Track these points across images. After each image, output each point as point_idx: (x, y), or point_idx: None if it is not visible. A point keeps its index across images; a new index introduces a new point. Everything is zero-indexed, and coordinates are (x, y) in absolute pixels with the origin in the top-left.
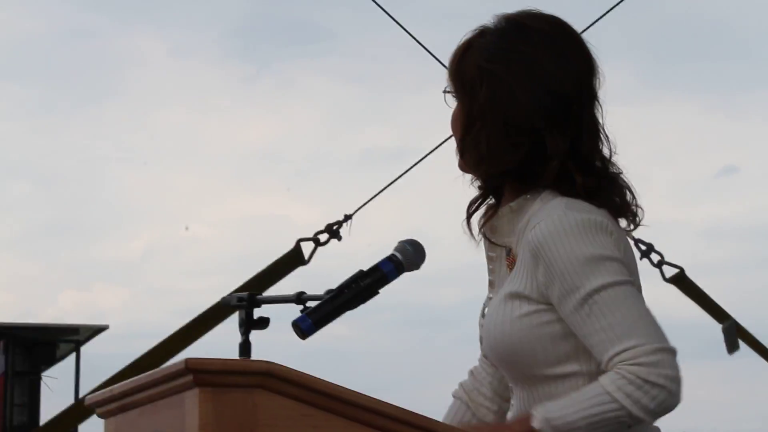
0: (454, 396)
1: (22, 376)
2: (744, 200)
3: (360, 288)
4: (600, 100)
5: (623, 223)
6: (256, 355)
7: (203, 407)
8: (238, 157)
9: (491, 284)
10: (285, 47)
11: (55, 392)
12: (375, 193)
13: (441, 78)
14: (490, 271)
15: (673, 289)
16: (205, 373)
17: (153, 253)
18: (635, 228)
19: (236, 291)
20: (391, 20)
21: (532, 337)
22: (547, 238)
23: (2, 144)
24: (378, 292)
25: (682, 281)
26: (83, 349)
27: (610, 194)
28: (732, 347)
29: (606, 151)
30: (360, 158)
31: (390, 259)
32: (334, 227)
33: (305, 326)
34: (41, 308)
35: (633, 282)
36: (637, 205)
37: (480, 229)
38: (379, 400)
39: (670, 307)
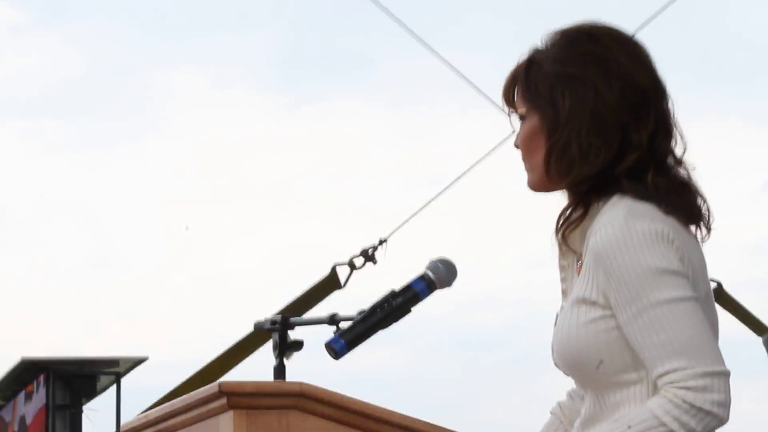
0: (551, 412)
1: (63, 409)
2: None
3: (392, 307)
4: (670, 96)
5: (694, 230)
6: (293, 378)
7: (238, 429)
8: (278, 185)
9: (563, 293)
10: (325, 77)
11: (97, 424)
12: (409, 217)
13: (476, 104)
14: (563, 280)
15: None
16: (238, 396)
17: (194, 283)
18: (708, 235)
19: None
20: (427, 48)
21: (599, 344)
22: (606, 246)
23: (46, 180)
24: (410, 311)
25: (720, 295)
26: (124, 381)
27: (682, 198)
28: None
29: (679, 151)
30: (397, 184)
31: (422, 278)
32: (370, 251)
33: (338, 347)
34: (84, 342)
35: (694, 297)
36: (708, 211)
37: (557, 238)
38: (412, 418)
39: None
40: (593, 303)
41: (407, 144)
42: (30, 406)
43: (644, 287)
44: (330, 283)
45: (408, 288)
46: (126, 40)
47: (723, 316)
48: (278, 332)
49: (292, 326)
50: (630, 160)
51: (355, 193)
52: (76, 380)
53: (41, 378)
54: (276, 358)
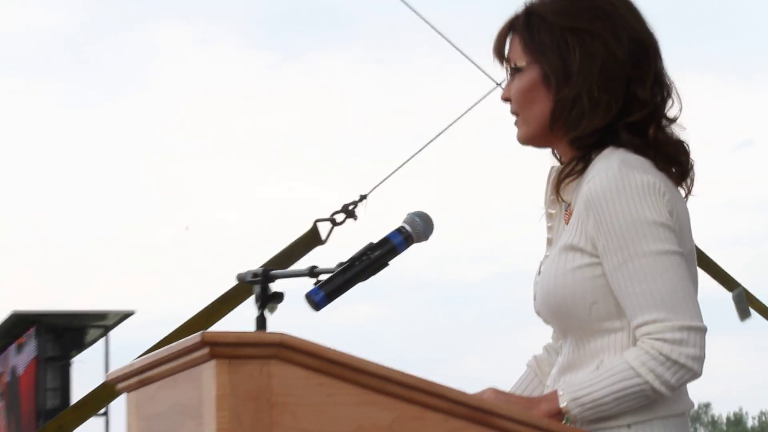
0: (527, 365)
1: (53, 361)
2: (761, 173)
3: (370, 260)
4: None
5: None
6: (275, 329)
7: (220, 379)
8: (262, 142)
9: (549, 242)
10: (309, 35)
11: (86, 376)
12: (389, 174)
13: (456, 62)
14: (549, 229)
15: None
16: (220, 346)
17: (180, 239)
18: (687, 197)
19: None
20: (407, 6)
21: (585, 290)
22: (599, 194)
23: (34, 136)
24: (388, 264)
25: None
26: (112, 334)
27: (675, 156)
28: (743, 314)
29: (674, 110)
30: (378, 141)
31: (399, 230)
32: (350, 207)
33: (318, 298)
34: (73, 295)
35: (679, 252)
36: (693, 174)
37: (554, 189)
38: (389, 368)
39: None
40: (581, 250)
41: (388, 101)
42: (21, 358)
43: (633, 237)
44: (311, 239)
45: (385, 240)
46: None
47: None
48: (260, 284)
49: (273, 279)
50: (637, 115)
51: (337, 150)
52: (66, 333)
53: (32, 330)
54: (258, 309)
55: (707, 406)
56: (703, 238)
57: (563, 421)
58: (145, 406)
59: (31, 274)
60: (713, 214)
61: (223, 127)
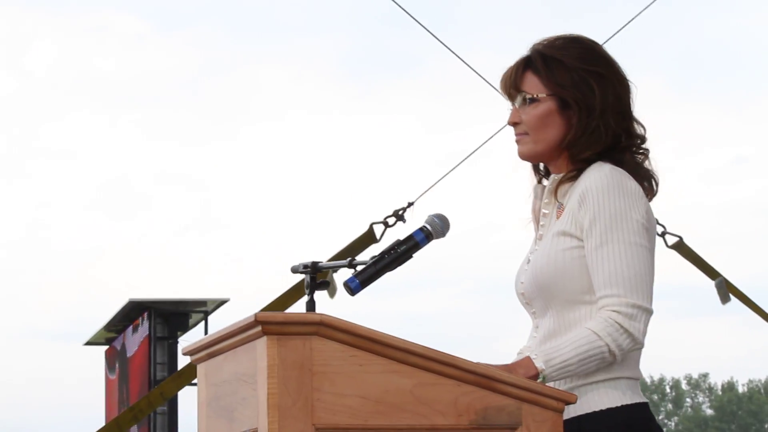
0: (518, 354)
1: (162, 340)
2: (745, 183)
3: (398, 253)
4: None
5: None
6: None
7: (270, 352)
8: (335, 160)
9: (540, 238)
10: (383, 72)
11: None
12: (432, 184)
13: (489, 99)
14: (541, 227)
15: (674, 255)
16: (270, 324)
17: (266, 239)
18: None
19: None
20: (456, 56)
21: (573, 267)
22: (593, 187)
23: (159, 156)
24: (412, 257)
25: (681, 247)
26: (210, 318)
27: (650, 178)
28: (724, 299)
29: (647, 144)
30: (424, 158)
31: (421, 229)
32: (400, 212)
33: (354, 285)
34: (182, 285)
35: (649, 247)
36: (655, 190)
37: (553, 191)
38: (410, 342)
39: (671, 271)
40: (571, 235)
41: (434, 129)
42: (136, 337)
43: (615, 226)
44: (368, 238)
45: (409, 237)
46: (225, 45)
47: (684, 265)
48: (309, 274)
49: (320, 269)
50: (633, 142)
51: (391, 164)
52: (173, 317)
53: (145, 315)
54: (308, 295)
55: (705, 375)
56: (701, 236)
57: (539, 381)
58: (213, 374)
59: (145, 266)
60: (712, 215)
61: (312, 148)
